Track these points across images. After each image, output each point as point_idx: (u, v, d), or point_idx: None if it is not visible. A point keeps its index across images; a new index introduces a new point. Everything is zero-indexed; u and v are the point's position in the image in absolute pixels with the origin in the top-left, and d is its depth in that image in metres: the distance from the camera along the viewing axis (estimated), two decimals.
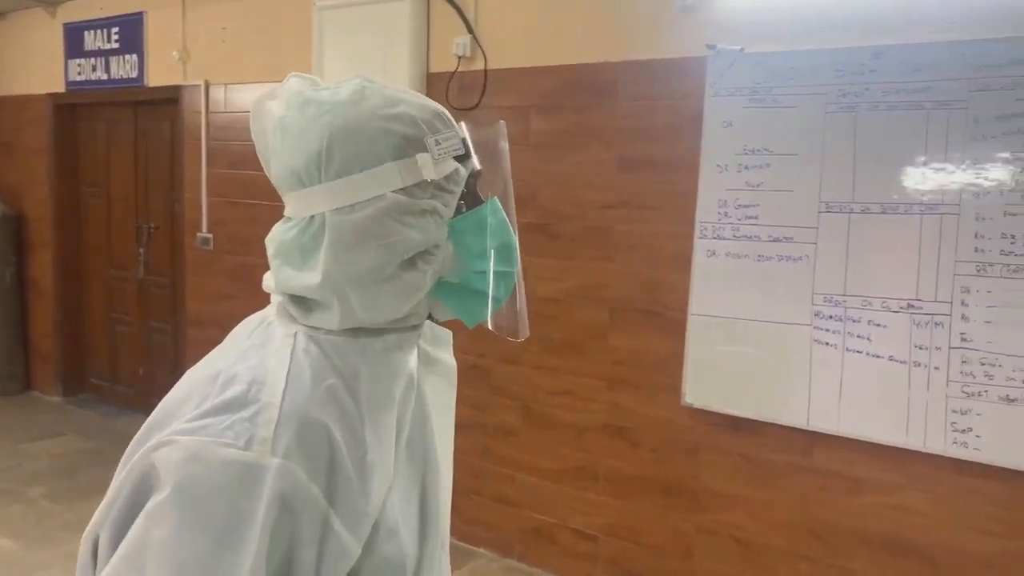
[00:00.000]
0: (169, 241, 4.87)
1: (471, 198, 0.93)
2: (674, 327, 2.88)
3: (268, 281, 0.93)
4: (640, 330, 2.99)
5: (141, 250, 5.04)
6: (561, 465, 3.21)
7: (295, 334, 0.89)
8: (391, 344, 0.92)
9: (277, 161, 0.90)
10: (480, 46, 3.29)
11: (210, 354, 0.92)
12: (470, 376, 3.25)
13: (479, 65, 3.29)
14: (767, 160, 2.65)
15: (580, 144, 3.08)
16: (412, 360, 0.95)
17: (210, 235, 4.42)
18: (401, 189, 0.86)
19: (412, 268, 0.88)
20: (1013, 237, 2.25)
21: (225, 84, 4.27)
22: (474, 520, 3.44)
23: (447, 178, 0.89)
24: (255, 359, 0.85)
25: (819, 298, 2.58)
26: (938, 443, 2.39)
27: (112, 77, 4.82)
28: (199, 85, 4.34)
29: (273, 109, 0.91)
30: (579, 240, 3.12)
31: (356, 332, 0.90)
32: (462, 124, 0.93)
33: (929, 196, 2.38)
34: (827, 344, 2.57)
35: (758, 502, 2.78)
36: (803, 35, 2.59)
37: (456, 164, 0.89)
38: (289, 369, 0.84)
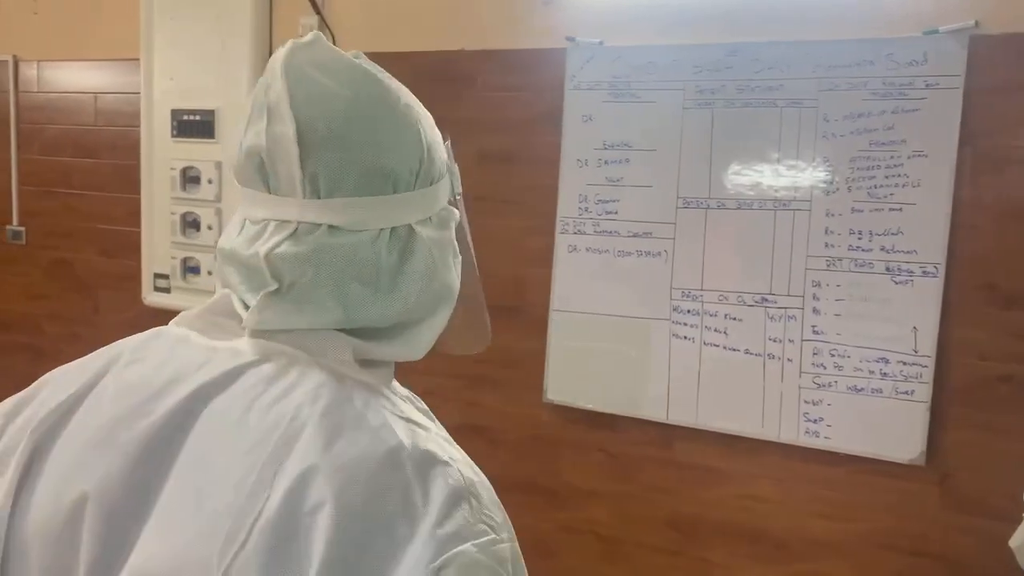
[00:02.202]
0: None
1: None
2: (535, 324, 2.82)
3: (282, 318, 0.73)
4: (501, 327, 2.89)
5: None
6: None
7: (388, 396, 0.76)
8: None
9: (336, 153, 0.72)
10: (329, 29, 3.10)
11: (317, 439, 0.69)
12: None
13: None
14: (627, 155, 2.64)
15: None
16: None
17: (22, 228, 3.97)
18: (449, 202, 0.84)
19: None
20: (860, 233, 2.34)
21: (37, 60, 3.84)
22: None
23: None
24: (417, 435, 0.71)
25: (677, 293, 2.60)
26: (791, 433, 2.46)
27: None
28: (6, 61, 3.88)
29: (329, 86, 0.75)
30: None
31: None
32: None
33: (782, 192, 2.44)
34: (685, 338, 2.60)
35: (619, 497, 2.78)
36: (662, 30, 2.60)
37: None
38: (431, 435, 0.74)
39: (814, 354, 2.41)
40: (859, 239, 2.34)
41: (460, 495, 0.66)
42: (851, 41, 2.33)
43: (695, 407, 2.59)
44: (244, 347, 0.74)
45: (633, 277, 2.65)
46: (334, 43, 3.10)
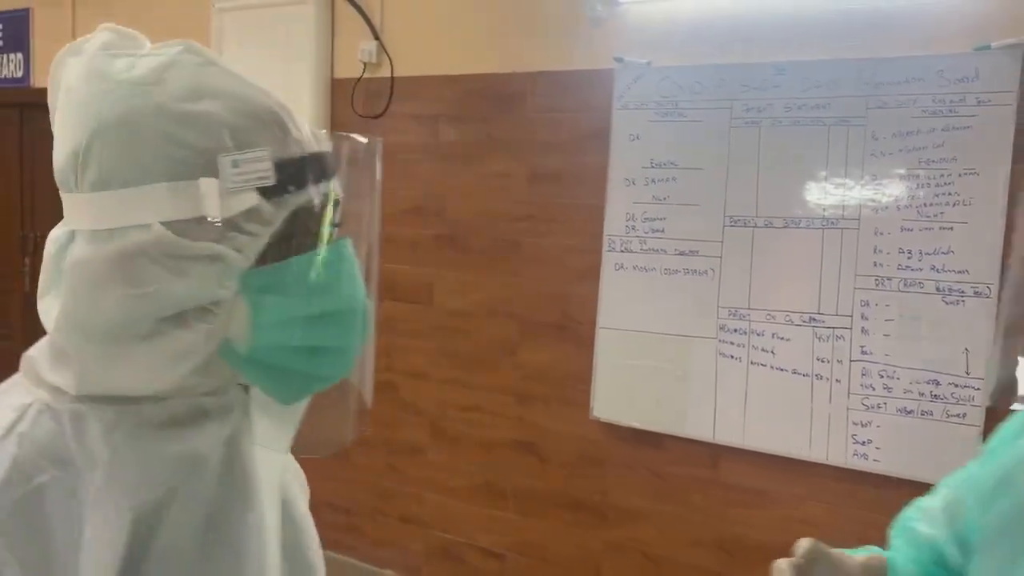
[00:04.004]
0: None
1: (311, 238, 0.69)
2: (583, 341, 2.84)
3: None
4: (549, 344, 2.95)
5: (27, 260, 4.74)
6: (469, 482, 3.14)
7: (31, 405, 0.68)
8: (174, 416, 0.68)
9: (55, 145, 0.68)
10: (387, 52, 3.21)
11: None
12: (376, 392, 3.14)
13: (385, 72, 3.21)
14: (673, 174, 2.65)
15: (489, 155, 3.02)
16: (208, 437, 0.71)
17: None
18: (172, 222, 0.63)
19: (181, 326, 0.65)
20: (909, 252, 2.30)
21: None
22: (379, 541, 3.33)
23: (247, 215, 0.65)
24: None
25: (724, 312, 2.59)
26: (839, 455, 2.41)
27: None
28: None
29: (68, 72, 0.69)
30: (487, 253, 3.06)
31: (124, 399, 0.67)
32: (322, 133, 0.71)
33: (830, 211, 2.41)
34: (732, 357, 2.58)
35: (666, 517, 2.76)
36: (709, 49, 2.60)
37: (257, 199, 0.65)
38: None
39: (863, 375, 2.37)
40: (908, 258, 2.30)
41: None
42: (900, 58, 2.30)
43: (742, 427, 2.56)
44: None
45: (680, 295, 2.65)
46: (391, 67, 3.21)
